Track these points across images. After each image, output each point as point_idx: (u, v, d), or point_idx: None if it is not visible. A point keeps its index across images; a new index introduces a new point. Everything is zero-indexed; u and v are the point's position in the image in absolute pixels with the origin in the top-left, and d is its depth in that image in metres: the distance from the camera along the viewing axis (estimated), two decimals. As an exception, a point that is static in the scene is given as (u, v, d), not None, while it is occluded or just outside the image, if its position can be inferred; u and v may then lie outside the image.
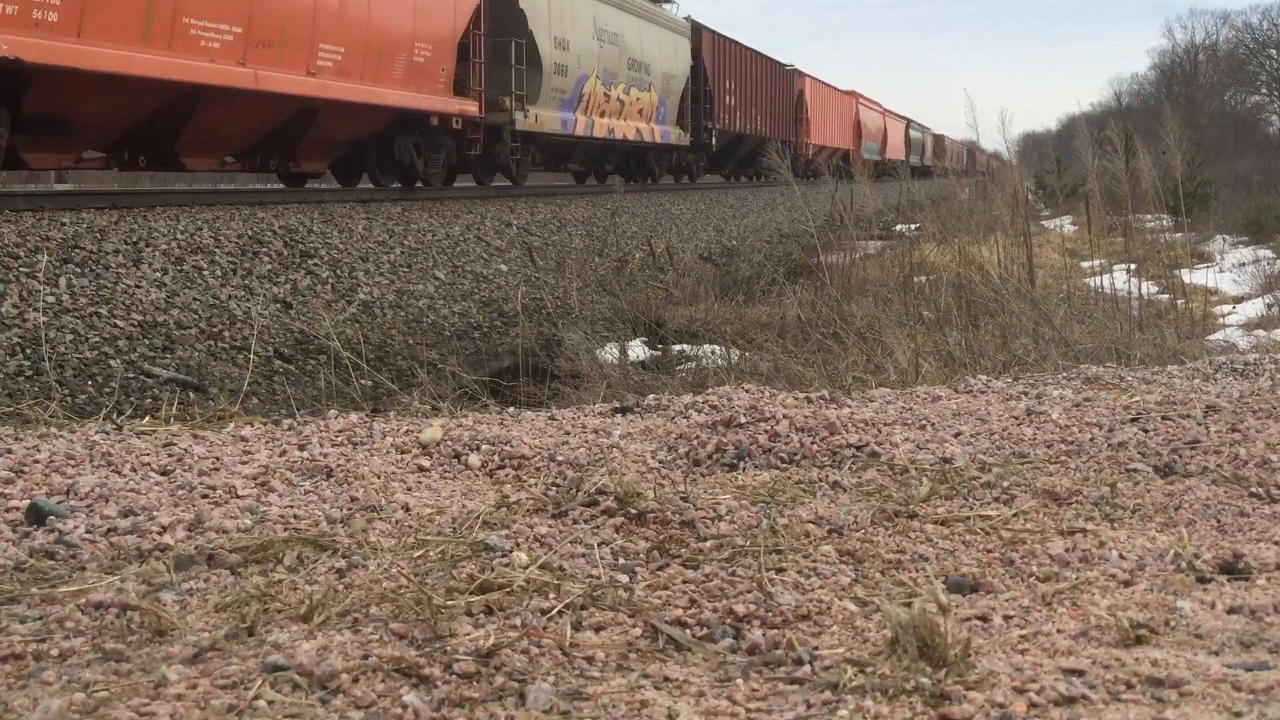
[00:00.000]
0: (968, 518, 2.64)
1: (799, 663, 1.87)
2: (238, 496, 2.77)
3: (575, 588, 2.14)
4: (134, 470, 2.94)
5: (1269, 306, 12.42)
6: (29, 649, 1.91)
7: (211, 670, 1.80)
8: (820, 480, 2.98)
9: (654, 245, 17.56)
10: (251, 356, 8.65)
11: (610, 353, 9.47)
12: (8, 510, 2.59)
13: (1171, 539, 2.50)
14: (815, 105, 41.78)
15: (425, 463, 3.16)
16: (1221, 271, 15.47)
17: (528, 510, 2.66)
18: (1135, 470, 3.04)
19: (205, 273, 10.05)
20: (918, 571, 2.31)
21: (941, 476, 2.96)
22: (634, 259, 16.56)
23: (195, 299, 9.47)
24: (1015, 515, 2.66)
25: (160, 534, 2.46)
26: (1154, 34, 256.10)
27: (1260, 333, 10.26)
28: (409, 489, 2.91)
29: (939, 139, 76.01)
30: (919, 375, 6.21)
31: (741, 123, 32.99)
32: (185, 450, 3.13)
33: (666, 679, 1.82)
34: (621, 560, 2.35)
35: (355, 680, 1.76)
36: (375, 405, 5.02)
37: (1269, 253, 17.88)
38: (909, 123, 65.63)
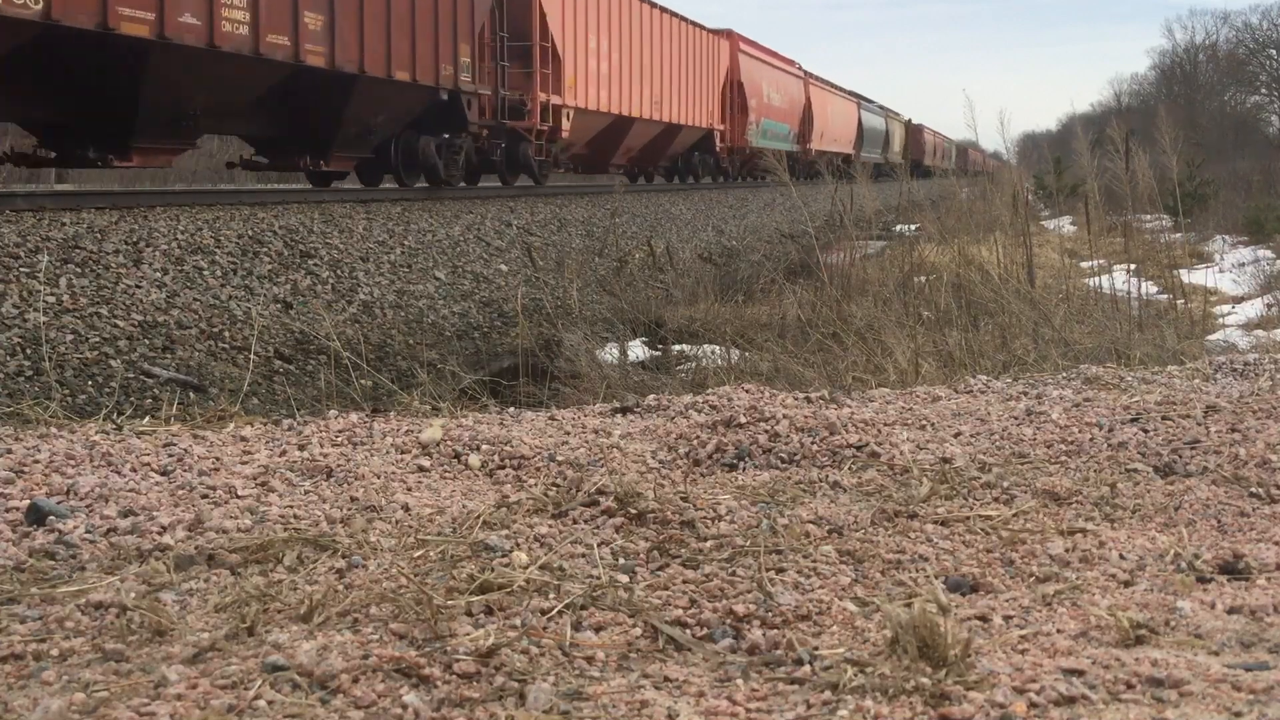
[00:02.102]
0: (968, 518, 2.64)
1: (799, 663, 1.87)
2: (238, 496, 2.77)
3: (575, 588, 2.14)
4: (134, 470, 2.94)
5: (1269, 306, 12.42)
6: (29, 649, 1.91)
7: (211, 670, 1.80)
8: (820, 480, 2.98)
9: (654, 245, 17.55)
10: (252, 357, 8.65)
11: (610, 353, 9.47)
12: (8, 510, 2.59)
13: (1171, 539, 2.50)
14: (578, 32, 20.49)
15: (425, 463, 3.16)
16: (1221, 271, 15.46)
17: (528, 510, 2.66)
18: (1135, 470, 3.04)
19: (205, 273, 10.04)
20: (918, 571, 2.31)
21: (941, 476, 2.96)
22: (634, 259, 16.55)
23: (195, 299, 9.47)
24: (1015, 515, 2.66)
25: (160, 534, 2.46)
26: (1154, 34, 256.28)
27: (1260, 333, 10.26)
28: (409, 489, 2.91)
29: (915, 130, 60.40)
30: (919, 375, 6.21)
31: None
32: (185, 450, 3.13)
33: (666, 679, 1.82)
34: (621, 560, 2.35)
35: (355, 680, 1.76)
36: (375, 405, 5.02)
37: (1269, 253, 17.88)
38: (862, 102, 48.68)
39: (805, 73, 39.18)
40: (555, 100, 19.87)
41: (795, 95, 37.08)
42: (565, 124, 20.52)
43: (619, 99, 23.03)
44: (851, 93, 48.04)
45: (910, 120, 60.48)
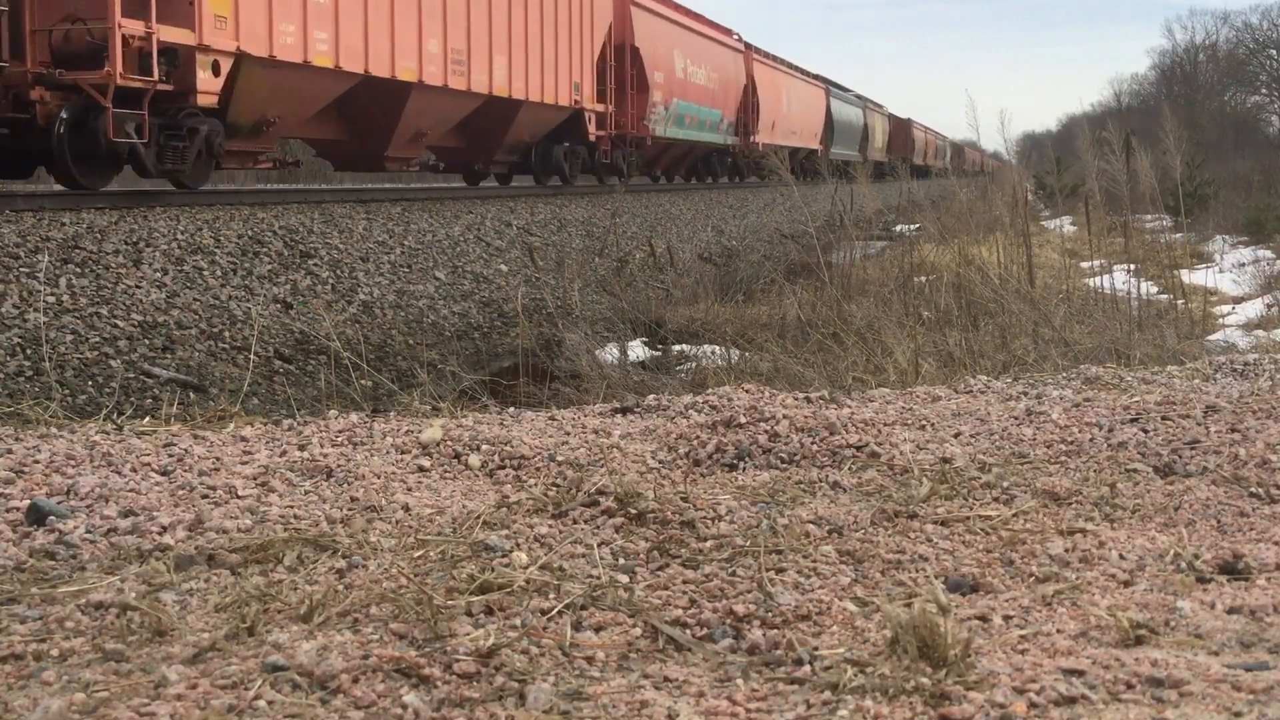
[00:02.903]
0: (968, 518, 2.63)
1: (799, 663, 1.86)
2: (238, 496, 2.77)
3: (575, 588, 2.14)
4: (134, 470, 2.94)
5: (1269, 306, 12.43)
6: (29, 649, 1.91)
7: (211, 670, 1.80)
8: (820, 480, 2.98)
9: (654, 245, 17.55)
10: (252, 357, 8.65)
11: (610, 353, 9.47)
12: (8, 510, 2.59)
13: (1171, 539, 2.50)
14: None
15: (425, 463, 3.16)
16: (1221, 271, 15.46)
17: (528, 510, 2.66)
18: (1135, 470, 3.04)
19: (205, 273, 10.04)
20: (918, 571, 2.31)
21: (941, 476, 2.96)
22: (634, 259, 16.55)
23: (195, 299, 9.47)
24: (1015, 515, 2.66)
25: (160, 534, 2.46)
26: (1154, 34, 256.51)
27: (1260, 333, 10.26)
28: (409, 489, 2.91)
29: (903, 124, 54.59)
30: (919, 375, 6.21)
31: None
32: (185, 450, 3.13)
33: (666, 679, 1.82)
34: (621, 560, 2.35)
35: (355, 680, 1.76)
36: (375, 405, 5.02)
37: (1269, 253, 17.88)
38: (831, 89, 40.90)
39: (746, 45, 29.87)
40: (177, 38, 10.58)
41: (730, 73, 28.17)
42: (206, 82, 11.16)
43: (366, 47, 13.47)
44: (817, 76, 39.18)
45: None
